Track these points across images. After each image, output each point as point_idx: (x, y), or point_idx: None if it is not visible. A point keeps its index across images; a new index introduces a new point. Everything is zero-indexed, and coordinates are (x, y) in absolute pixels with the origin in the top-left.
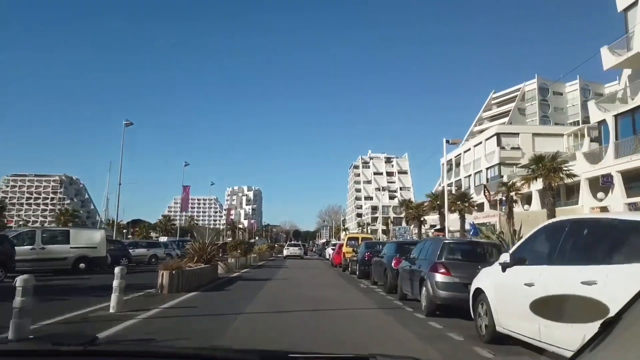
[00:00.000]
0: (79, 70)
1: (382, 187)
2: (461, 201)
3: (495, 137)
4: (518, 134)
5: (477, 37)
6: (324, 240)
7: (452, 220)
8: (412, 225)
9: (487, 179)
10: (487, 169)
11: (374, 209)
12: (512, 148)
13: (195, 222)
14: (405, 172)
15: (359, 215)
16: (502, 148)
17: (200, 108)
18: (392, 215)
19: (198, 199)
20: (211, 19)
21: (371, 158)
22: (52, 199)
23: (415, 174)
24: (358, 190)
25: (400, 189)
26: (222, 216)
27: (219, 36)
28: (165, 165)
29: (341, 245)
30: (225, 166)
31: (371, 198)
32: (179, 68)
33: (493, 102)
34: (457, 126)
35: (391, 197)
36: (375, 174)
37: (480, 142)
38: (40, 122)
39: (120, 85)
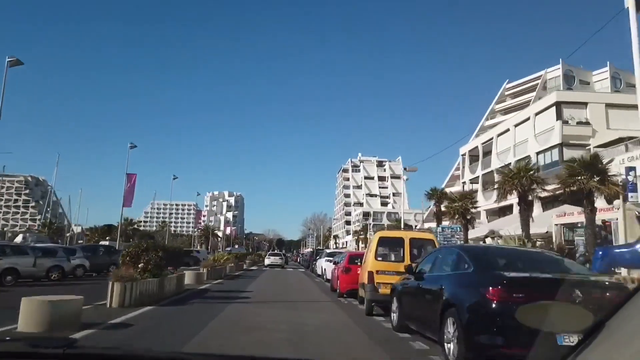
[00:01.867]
0: (61, 70)
1: (396, 192)
2: (591, 175)
3: (553, 109)
4: (586, 104)
5: (475, 35)
6: (310, 249)
7: (540, 220)
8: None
9: (538, 168)
10: (538, 153)
11: (366, 215)
12: (579, 123)
13: (170, 228)
14: (398, 177)
15: (348, 222)
16: (565, 122)
17: (178, 110)
18: (386, 222)
19: (176, 205)
20: (197, 20)
21: (361, 161)
22: (16, 200)
23: (409, 180)
24: (347, 196)
25: (394, 194)
26: (201, 223)
27: (204, 38)
28: (148, 169)
29: (356, 257)
30: (205, 172)
31: (361, 204)
32: (159, 68)
33: (507, 92)
34: (456, 129)
35: (383, 204)
36: (366, 178)
37: (527, 119)
38: (12, 120)
39: (101, 87)
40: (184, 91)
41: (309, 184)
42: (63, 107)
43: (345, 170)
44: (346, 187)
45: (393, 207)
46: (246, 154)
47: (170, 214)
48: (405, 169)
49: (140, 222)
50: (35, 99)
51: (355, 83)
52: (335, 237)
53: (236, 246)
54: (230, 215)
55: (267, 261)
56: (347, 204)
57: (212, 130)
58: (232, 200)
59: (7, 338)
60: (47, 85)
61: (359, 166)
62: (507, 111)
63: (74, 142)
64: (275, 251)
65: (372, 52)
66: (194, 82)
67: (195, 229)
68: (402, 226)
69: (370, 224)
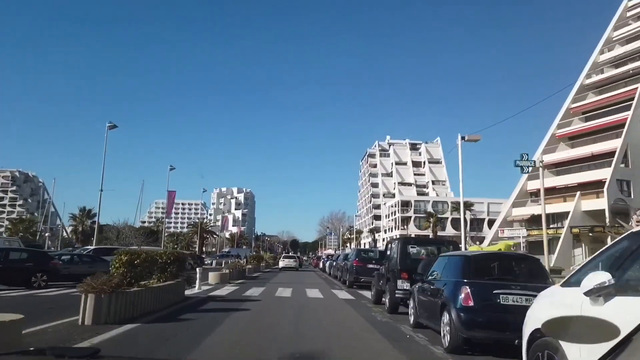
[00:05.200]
0: (62, 68)
1: (436, 180)
2: None
3: None
4: None
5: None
6: (337, 251)
7: None
8: None
9: None
10: None
11: (405, 205)
12: None
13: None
14: (438, 162)
15: (377, 217)
16: None
17: (179, 104)
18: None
19: (182, 203)
20: (206, 14)
21: (391, 144)
22: (2, 198)
23: (451, 165)
24: (375, 186)
25: (433, 182)
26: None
27: (213, 26)
28: (152, 166)
29: None
30: (214, 171)
31: (393, 194)
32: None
33: (629, 14)
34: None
35: (420, 194)
36: (397, 164)
37: None
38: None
39: (105, 84)
40: (191, 82)
41: (325, 184)
42: (58, 103)
43: (372, 155)
44: (373, 175)
45: (437, 195)
46: (257, 153)
47: (176, 213)
48: (463, 138)
49: (146, 221)
50: (43, 99)
51: (368, 69)
52: (373, 231)
53: (244, 247)
54: (239, 213)
55: (281, 264)
56: (374, 195)
57: (224, 125)
58: (241, 197)
59: (32, 349)
60: (51, 88)
61: (387, 150)
62: (631, 38)
63: (75, 140)
64: (290, 254)
65: (386, 33)
66: (202, 70)
67: (165, 220)
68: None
69: (411, 217)
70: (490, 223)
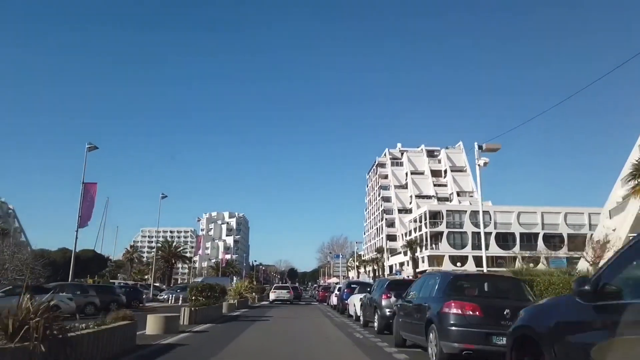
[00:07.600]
0: (35, 78)
1: (461, 190)
2: None
3: None
4: None
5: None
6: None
7: None
8: None
9: None
10: None
11: (434, 216)
12: None
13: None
14: (462, 170)
15: (392, 237)
16: None
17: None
18: (470, 228)
19: (170, 231)
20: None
21: (403, 152)
22: None
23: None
24: (387, 200)
25: (458, 194)
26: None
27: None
28: (136, 191)
29: None
30: (204, 196)
31: (409, 210)
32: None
33: None
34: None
35: None
36: (413, 173)
37: None
38: None
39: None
40: (171, 99)
41: (326, 205)
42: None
43: (382, 165)
44: (384, 187)
45: (470, 204)
46: (251, 177)
47: (164, 240)
48: (480, 148)
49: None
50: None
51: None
52: (411, 244)
53: (234, 277)
54: (230, 240)
55: (272, 296)
56: (387, 211)
57: (211, 144)
58: (233, 222)
59: None
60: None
61: (400, 158)
62: None
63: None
64: (285, 284)
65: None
66: (184, 84)
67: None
68: None
69: (442, 232)
70: (548, 238)
